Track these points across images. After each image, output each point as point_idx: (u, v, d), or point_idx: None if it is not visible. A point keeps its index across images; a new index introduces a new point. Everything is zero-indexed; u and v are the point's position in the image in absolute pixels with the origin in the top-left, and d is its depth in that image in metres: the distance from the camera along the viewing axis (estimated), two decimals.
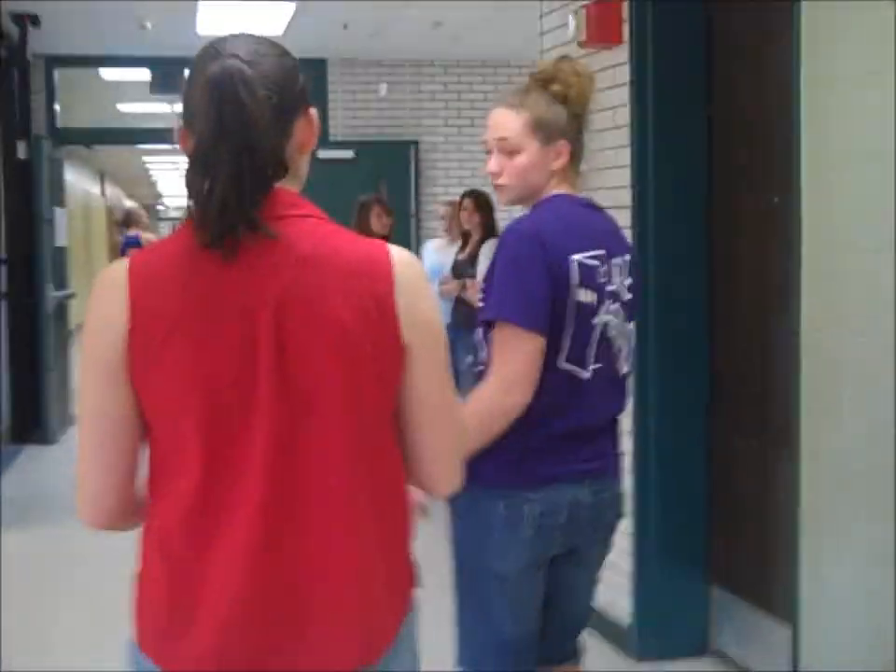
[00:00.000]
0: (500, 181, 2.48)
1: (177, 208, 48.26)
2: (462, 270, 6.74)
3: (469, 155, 9.76)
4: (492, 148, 2.47)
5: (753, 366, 3.83)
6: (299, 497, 1.46)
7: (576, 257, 2.31)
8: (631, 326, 2.50)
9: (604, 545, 2.55)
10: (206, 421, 1.44)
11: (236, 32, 1.54)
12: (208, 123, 1.42)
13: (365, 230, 6.53)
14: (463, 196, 6.80)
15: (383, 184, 8.84)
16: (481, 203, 6.71)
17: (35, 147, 8.38)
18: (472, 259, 6.69)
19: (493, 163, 2.47)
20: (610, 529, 2.53)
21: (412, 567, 1.63)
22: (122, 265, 1.49)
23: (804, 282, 3.12)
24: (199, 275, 1.44)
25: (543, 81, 2.45)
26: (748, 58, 3.81)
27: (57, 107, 9.38)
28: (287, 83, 1.50)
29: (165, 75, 9.07)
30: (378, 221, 6.59)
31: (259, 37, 1.53)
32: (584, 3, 4.12)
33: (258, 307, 1.43)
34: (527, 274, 2.26)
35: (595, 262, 2.36)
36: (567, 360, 2.33)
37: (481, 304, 2.37)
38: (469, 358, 6.76)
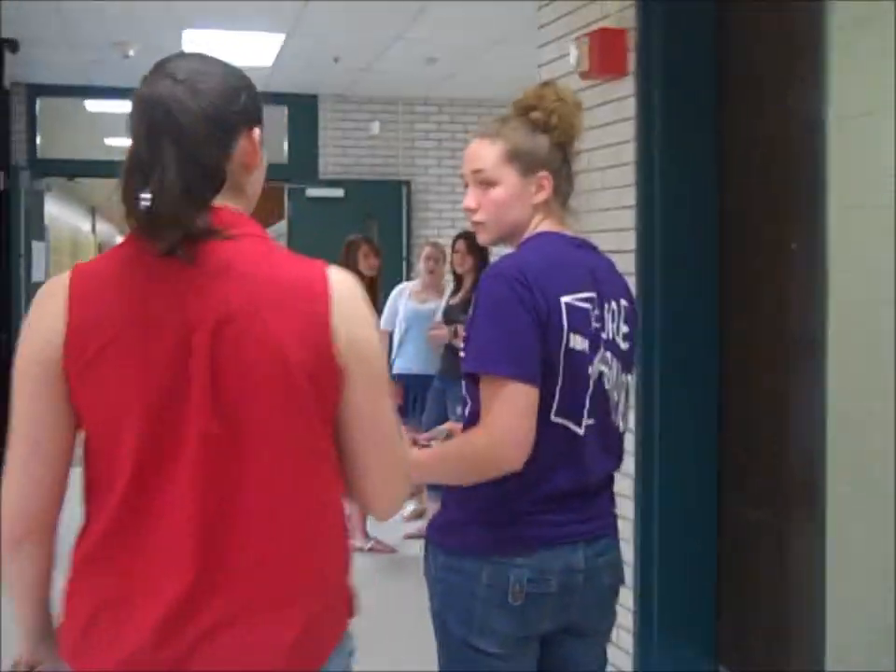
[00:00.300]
0: (477, 217, 2.27)
1: None
2: (454, 315, 6.41)
3: (461, 196, 9.45)
4: (468, 182, 2.28)
5: (770, 430, 3.49)
6: (227, 514, 1.48)
7: (565, 298, 2.10)
8: (629, 378, 2.29)
9: (606, 614, 2.31)
10: (139, 436, 1.46)
11: (189, 52, 1.63)
12: (138, 139, 1.50)
13: (352, 270, 6.19)
14: (455, 238, 6.49)
15: (372, 224, 8.56)
16: (474, 245, 6.37)
17: (14, 178, 8.12)
18: (465, 304, 6.37)
19: (468, 198, 2.28)
20: (611, 595, 2.30)
21: (347, 594, 1.62)
22: (64, 276, 1.52)
23: (830, 339, 2.79)
24: (136, 289, 1.47)
25: (524, 108, 2.25)
26: (765, 90, 3.50)
27: (38, 138, 9.09)
28: (225, 101, 1.54)
29: None
30: (365, 261, 6.28)
31: (206, 57, 1.59)
32: (586, 31, 3.82)
33: (194, 324, 1.46)
34: (512, 319, 2.05)
35: (586, 305, 2.15)
36: (559, 414, 2.11)
37: (462, 355, 2.16)
38: (459, 410, 6.41)
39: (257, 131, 1.59)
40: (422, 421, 6.70)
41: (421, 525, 6.73)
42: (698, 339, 3.69)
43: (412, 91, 9.18)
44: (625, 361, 2.27)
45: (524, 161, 2.22)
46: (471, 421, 2.17)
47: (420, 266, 6.91)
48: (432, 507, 6.70)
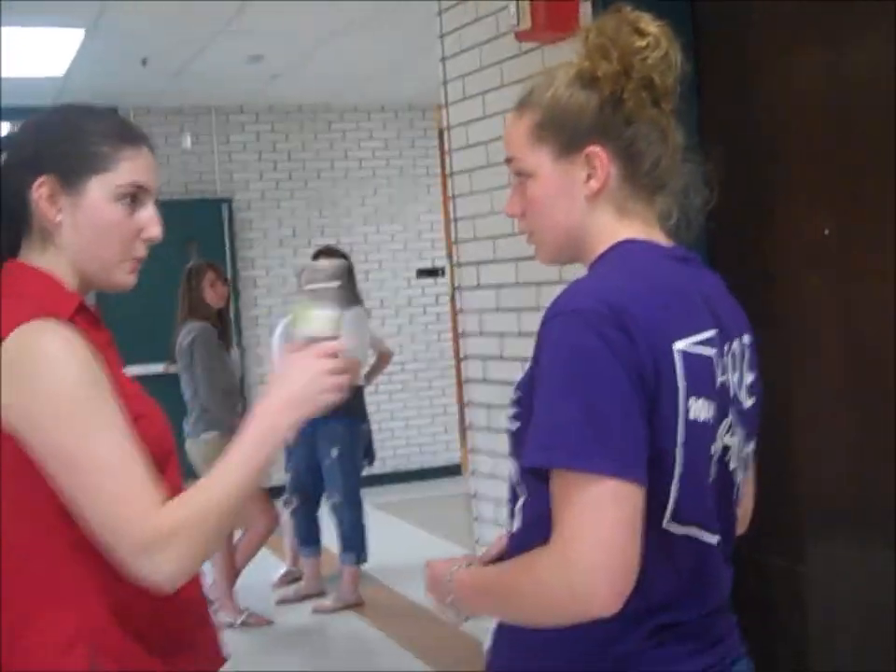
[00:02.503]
0: (523, 226, 1.62)
1: None
2: None
3: (288, 212, 8.62)
4: (510, 179, 1.62)
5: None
6: None
7: (679, 345, 1.41)
8: (751, 449, 1.61)
9: None
10: None
11: None
12: None
13: (197, 301, 5.33)
14: (315, 255, 5.70)
15: (193, 247, 7.58)
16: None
17: None
18: None
19: (508, 202, 1.62)
20: None
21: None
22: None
23: None
24: None
25: (577, 56, 1.54)
26: (767, 38, 2.85)
27: None
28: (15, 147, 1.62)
29: None
30: (212, 291, 5.37)
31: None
32: None
33: None
34: (602, 383, 1.36)
35: (708, 351, 1.46)
36: (679, 519, 1.43)
37: (513, 426, 1.50)
38: (335, 451, 5.53)
39: (42, 178, 1.58)
40: (286, 468, 5.84)
41: (298, 586, 5.87)
42: None
43: (226, 98, 8.24)
44: (750, 425, 1.59)
45: (557, 134, 1.52)
46: (528, 529, 1.49)
47: None
48: (308, 567, 5.85)
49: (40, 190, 1.57)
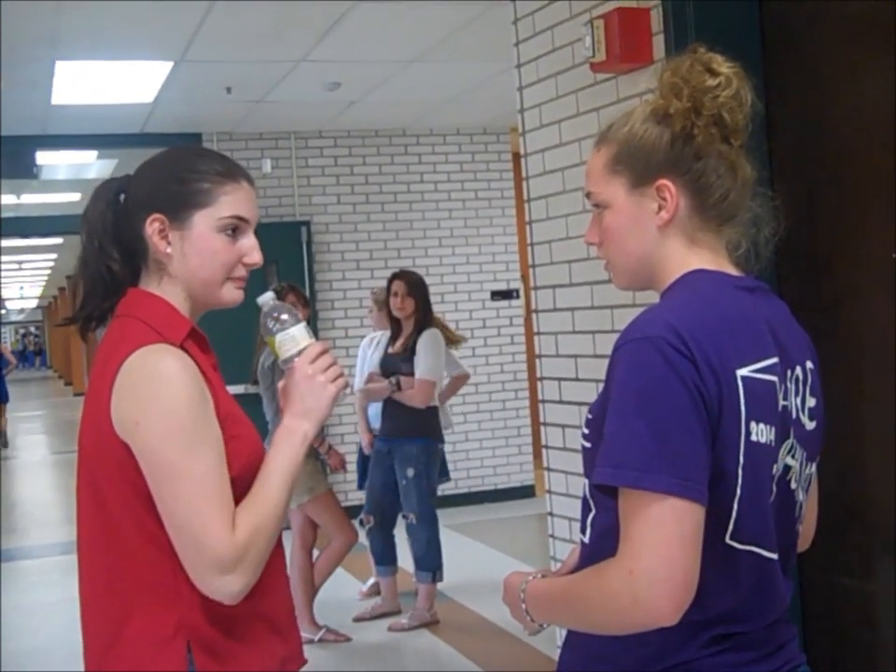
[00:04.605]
0: (601, 254, 1.71)
1: (20, 311, 46.07)
2: (394, 366, 5.67)
3: (365, 235, 8.76)
4: (587, 206, 1.72)
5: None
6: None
7: (742, 371, 1.50)
8: (813, 469, 1.69)
9: None
10: None
11: None
12: None
13: None
14: (391, 278, 5.77)
15: (273, 270, 7.75)
16: (413, 285, 5.69)
17: None
18: (406, 352, 5.64)
19: (588, 231, 1.72)
20: None
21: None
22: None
23: None
24: None
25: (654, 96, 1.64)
26: (835, 72, 2.89)
27: None
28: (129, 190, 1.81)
29: (11, 155, 7.81)
30: None
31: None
32: (599, 10, 3.16)
33: None
34: (668, 406, 1.45)
35: (771, 377, 1.55)
36: (739, 537, 1.51)
37: (586, 444, 1.60)
38: (411, 471, 5.59)
39: (156, 216, 1.75)
40: (365, 489, 5.94)
41: (375, 603, 5.96)
42: None
43: (304, 124, 8.42)
44: (811, 447, 1.66)
45: (631, 167, 1.61)
46: (598, 541, 1.58)
47: (373, 314, 6.33)
48: (384, 586, 5.94)
49: (153, 226, 1.73)
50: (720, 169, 1.60)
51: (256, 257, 1.77)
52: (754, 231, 1.65)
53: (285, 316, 1.75)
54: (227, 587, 1.59)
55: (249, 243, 1.76)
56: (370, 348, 6.25)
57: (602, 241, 1.67)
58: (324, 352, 1.75)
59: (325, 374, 1.73)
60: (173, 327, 1.71)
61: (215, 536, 1.58)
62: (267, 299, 1.77)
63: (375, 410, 5.92)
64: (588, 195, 1.68)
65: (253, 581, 1.62)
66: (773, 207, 1.66)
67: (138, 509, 1.65)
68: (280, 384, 1.80)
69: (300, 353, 1.74)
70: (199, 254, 1.73)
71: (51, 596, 6.71)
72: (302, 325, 1.77)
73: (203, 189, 1.73)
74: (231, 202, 1.74)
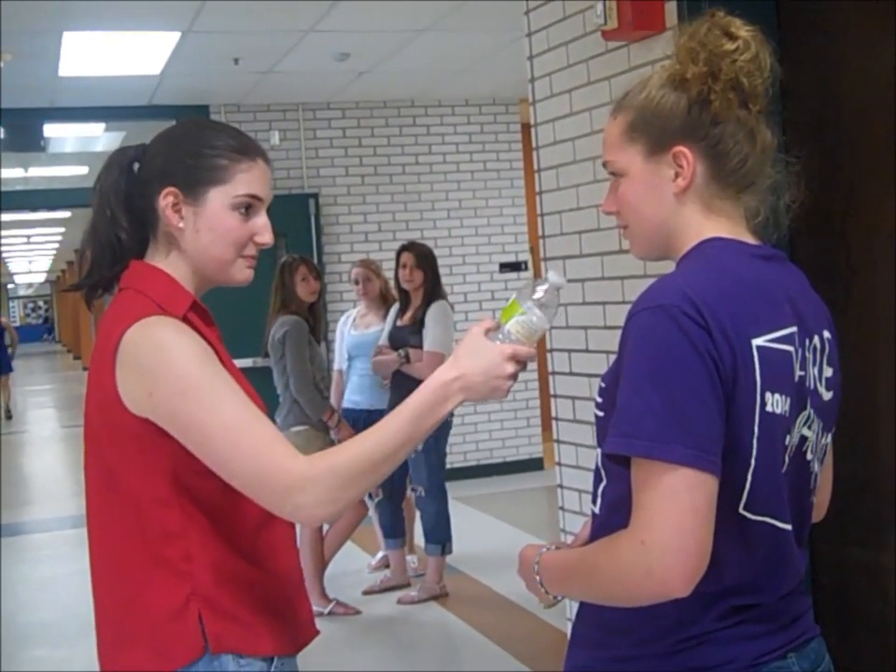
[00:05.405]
0: (620, 221, 1.68)
1: (28, 285, 46.14)
2: (403, 339, 5.65)
3: (373, 207, 8.73)
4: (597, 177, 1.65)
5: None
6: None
7: (758, 341, 1.48)
8: (829, 440, 1.67)
9: None
10: None
11: None
12: None
13: (290, 295, 5.42)
14: (400, 250, 5.74)
15: (281, 242, 7.72)
16: (422, 257, 5.66)
17: None
18: (415, 325, 5.62)
19: (605, 199, 1.69)
20: None
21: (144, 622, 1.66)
22: None
23: None
24: None
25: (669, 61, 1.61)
26: (851, 37, 2.85)
27: None
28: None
29: (19, 128, 7.79)
30: (305, 286, 5.45)
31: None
32: None
33: None
34: (682, 375, 1.42)
35: (787, 347, 1.52)
36: (752, 507, 1.49)
37: (598, 414, 1.58)
38: (420, 445, 5.63)
39: (168, 189, 1.73)
40: None
41: (383, 576, 5.97)
42: None
43: (312, 95, 8.37)
44: (828, 418, 1.64)
45: (647, 134, 1.58)
46: (610, 511, 1.56)
47: (359, 287, 6.16)
48: (393, 559, 5.95)
49: (166, 200, 1.72)
50: (738, 135, 1.57)
51: (267, 237, 1.76)
52: (773, 199, 1.62)
53: (549, 308, 1.62)
54: (298, 509, 1.57)
55: (262, 222, 1.75)
56: (345, 326, 6.20)
57: (619, 209, 1.65)
58: (527, 360, 1.63)
59: (510, 375, 1.60)
60: (174, 300, 1.70)
61: (270, 467, 1.56)
62: (562, 282, 1.64)
63: (360, 381, 5.95)
64: (605, 164, 1.65)
65: (334, 508, 1.59)
66: (793, 174, 1.63)
67: (156, 480, 1.64)
68: (458, 340, 1.66)
69: (518, 340, 1.61)
70: (211, 230, 1.72)
71: (62, 569, 6.75)
72: (547, 327, 1.64)
73: (220, 165, 1.71)
74: (246, 180, 1.72)
